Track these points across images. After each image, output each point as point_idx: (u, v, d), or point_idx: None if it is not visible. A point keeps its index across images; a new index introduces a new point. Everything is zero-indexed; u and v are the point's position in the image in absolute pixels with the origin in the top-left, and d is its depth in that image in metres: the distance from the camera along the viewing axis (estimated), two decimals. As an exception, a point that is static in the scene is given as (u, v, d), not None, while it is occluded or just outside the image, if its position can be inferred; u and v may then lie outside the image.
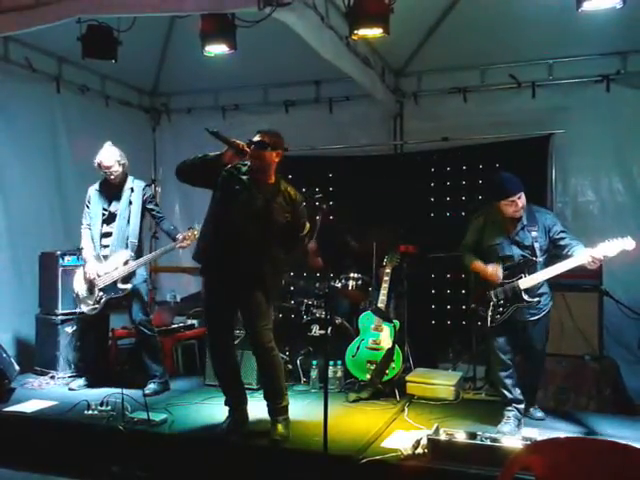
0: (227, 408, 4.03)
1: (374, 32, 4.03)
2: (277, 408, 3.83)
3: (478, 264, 4.07)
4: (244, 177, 3.79)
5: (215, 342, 3.98)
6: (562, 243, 3.93)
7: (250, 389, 4.85)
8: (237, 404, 3.99)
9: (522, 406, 4.06)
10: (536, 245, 3.94)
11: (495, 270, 3.97)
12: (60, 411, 4.29)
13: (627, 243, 3.69)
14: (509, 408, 4.04)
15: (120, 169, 4.80)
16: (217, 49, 4.40)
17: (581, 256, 3.75)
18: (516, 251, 3.98)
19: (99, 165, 4.79)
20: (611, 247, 3.69)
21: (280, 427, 3.76)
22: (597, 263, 3.72)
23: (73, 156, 6.09)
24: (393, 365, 4.82)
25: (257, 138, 3.72)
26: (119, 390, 4.17)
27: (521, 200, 3.91)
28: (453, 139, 5.85)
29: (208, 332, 4.00)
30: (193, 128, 7.02)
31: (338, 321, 5.23)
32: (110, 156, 4.75)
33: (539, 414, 4.23)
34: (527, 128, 5.67)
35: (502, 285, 3.98)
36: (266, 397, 3.91)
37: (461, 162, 6.00)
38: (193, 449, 3.79)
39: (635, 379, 4.87)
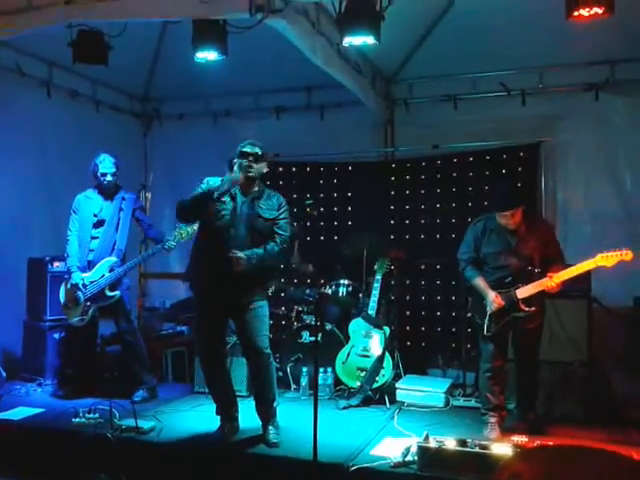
0: (219, 417, 4.02)
1: (365, 39, 4.03)
2: (271, 411, 3.96)
3: (482, 283, 4.04)
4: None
5: (210, 353, 3.99)
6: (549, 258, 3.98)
7: (240, 396, 4.83)
8: (230, 413, 4.01)
9: (504, 413, 4.11)
10: (535, 256, 3.96)
11: (497, 299, 3.95)
12: (47, 418, 4.26)
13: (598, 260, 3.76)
14: (492, 414, 4.07)
15: (115, 177, 4.83)
16: (209, 55, 4.38)
17: (544, 280, 3.85)
18: (515, 261, 3.99)
19: (96, 171, 4.77)
20: (573, 270, 3.81)
21: (273, 430, 3.88)
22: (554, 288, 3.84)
23: (63, 161, 6.06)
24: (383, 372, 4.81)
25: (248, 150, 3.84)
26: (107, 397, 4.14)
27: (516, 216, 3.94)
28: (444, 146, 5.89)
29: (202, 344, 4.00)
30: (184, 134, 7.02)
31: (328, 328, 5.23)
32: (110, 164, 4.79)
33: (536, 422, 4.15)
34: (517, 136, 5.70)
35: (499, 294, 3.99)
36: (260, 401, 3.97)
37: (451, 169, 6.01)
38: (181, 457, 3.76)
39: (623, 385, 4.89)
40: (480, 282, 4.06)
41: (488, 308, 3.99)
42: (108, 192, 4.85)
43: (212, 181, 3.85)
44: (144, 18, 4.23)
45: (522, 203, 3.97)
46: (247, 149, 3.84)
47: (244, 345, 4.01)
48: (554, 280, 3.82)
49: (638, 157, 5.31)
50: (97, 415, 4.12)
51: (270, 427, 3.89)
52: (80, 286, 4.68)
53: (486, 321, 4.01)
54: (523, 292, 3.93)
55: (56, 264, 5.32)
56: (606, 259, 3.75)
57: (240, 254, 3.72)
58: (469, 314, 4.21)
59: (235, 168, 3.84)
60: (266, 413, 3.95)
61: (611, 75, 5.55)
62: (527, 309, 3.93)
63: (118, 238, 4.79)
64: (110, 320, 4.92)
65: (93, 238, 4.80)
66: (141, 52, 6.30)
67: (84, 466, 3.83)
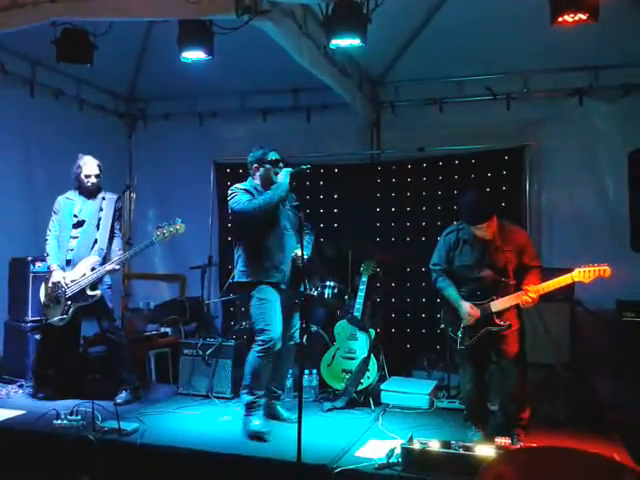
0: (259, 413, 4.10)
1: (352, 41, 4.04)
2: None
3: (455, 295, 3.93)
4: None
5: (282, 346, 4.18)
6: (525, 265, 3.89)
7: (223, 398, 4.82)
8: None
9: (488, 415, 4.13)
10: (510, 267, 3.86)
11: (471, 311, 3.85)
12: (28, 420, 4.20)
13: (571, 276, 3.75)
14: (475, 418, 4.09)
15: (98, 179, 4.79)
16: (194, 55, 4.36)
17: (520, 294, 3.79)
18: (489, 273, 3.88)
19: (79, 173, 4.74)
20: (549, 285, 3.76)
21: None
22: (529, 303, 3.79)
23: (46, 161, 6.00)
24: (368, 374, 4.82)
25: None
26: (90, 399, 4.10)
27: (492, 226, 3.82)
28: (430, 149, 5.92)
29: (273, 339, 4.07)
30: (170, 134, 6.99)
31: (314, 329, 5.22)
32: (93, 165, 4.75)
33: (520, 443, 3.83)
34: (502, 140, 5.75)
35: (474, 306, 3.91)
36: (282, 387, 4.49)
37: (437, 172, 6.04)
38: (164, 459, 3.73)
39: (606, 387, 4.93)
40: (453, 294, 3.95)
41: (463, 321, 3.89)
42: (89, 194, 4.82)
43: (246, 196, 4.10)
44: (129, 17, 4.21)
45: (495, 211, 3.85)
46: (276, 156, 4.18)
47: (284, 333, 4.24)
48: (529, 294, 3.75)
49: (621, 161, 5.36)
50: (79, 417, 4.07)
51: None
52: (61, 285, 4.63)
53: (459, 334, 3.92)
54: (497, 305, 3.84)
55: (38, 264, 5.26)
56: (583, 274, 3.72)
57: (299, 252, 3.98)
58: (442, 326, 4.12)
59: (281, 176, 4.12)
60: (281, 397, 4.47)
61: (595, 81, 5.61)
62: (501, 323, 3.85)
63: (99, 237, 4.74)
64: (93, 320, 4.87)
65: (73, 238, 4.75)
66: (126, 51, 6.25)
67: (66, 469, 3.78)
